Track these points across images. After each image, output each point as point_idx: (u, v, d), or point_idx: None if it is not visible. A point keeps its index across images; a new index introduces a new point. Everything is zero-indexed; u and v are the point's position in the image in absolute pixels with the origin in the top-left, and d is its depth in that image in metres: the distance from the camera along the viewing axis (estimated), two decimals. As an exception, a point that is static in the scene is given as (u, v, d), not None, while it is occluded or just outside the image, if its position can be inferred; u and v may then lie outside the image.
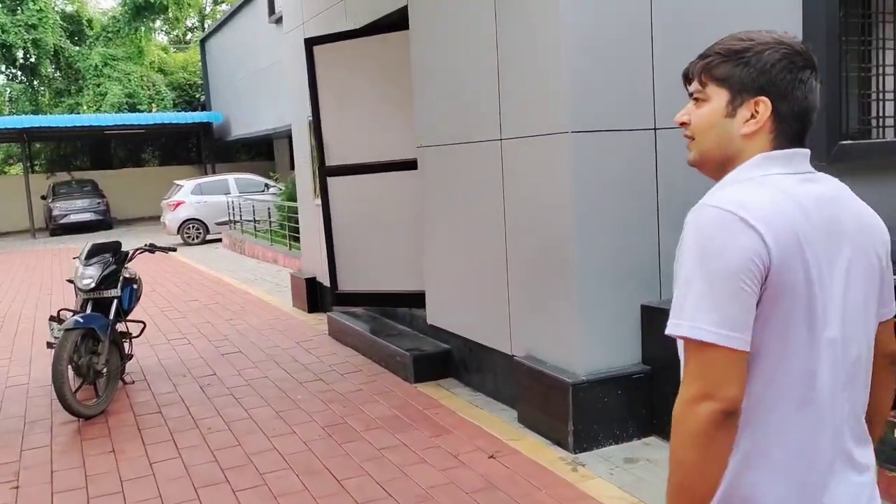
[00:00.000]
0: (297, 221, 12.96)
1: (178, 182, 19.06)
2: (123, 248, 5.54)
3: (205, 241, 18.10)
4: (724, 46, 1.38)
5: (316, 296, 8.29)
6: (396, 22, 6.01)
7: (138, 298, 5.67)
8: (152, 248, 5.64)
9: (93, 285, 5.22)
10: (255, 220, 15.32)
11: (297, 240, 12.95)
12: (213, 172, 24.23)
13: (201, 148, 27.51)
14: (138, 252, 5.62)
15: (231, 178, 18.96)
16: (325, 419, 4.86)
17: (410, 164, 6.02)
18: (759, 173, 1.34)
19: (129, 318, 5.60)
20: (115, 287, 5.34)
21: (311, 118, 7.70)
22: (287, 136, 22.79)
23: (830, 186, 1.39)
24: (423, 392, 5.29)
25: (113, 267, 5.34)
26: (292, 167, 25.04)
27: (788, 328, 1.28)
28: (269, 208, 14.94)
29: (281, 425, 4.78)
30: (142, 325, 5.74)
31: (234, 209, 17.25)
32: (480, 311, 5.01)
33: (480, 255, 4.92)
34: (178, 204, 18.05)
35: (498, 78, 4.56)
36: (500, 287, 4.74)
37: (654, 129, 4.22)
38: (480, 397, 5.10)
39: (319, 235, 7.93)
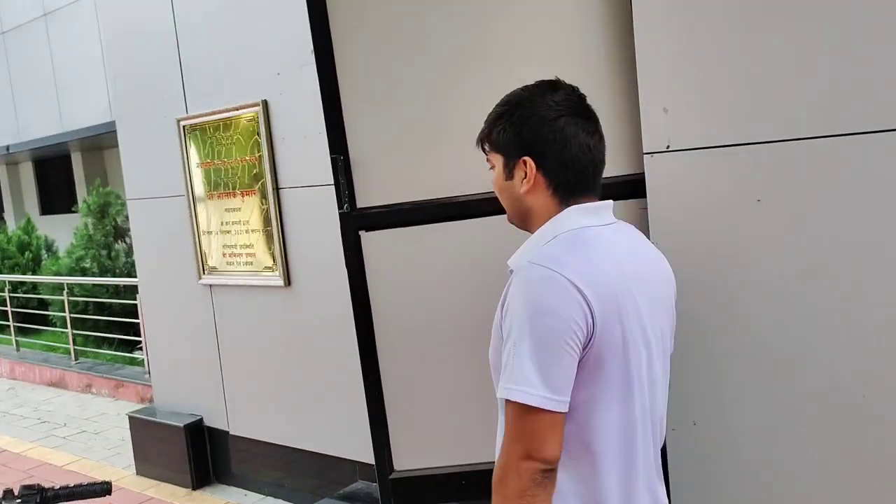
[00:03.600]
0: (22, 304, 8.39)
1: None
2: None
3: None
4: (492, 113, 1.50)
5: (205, 455, 4.46)
6: None
7: None
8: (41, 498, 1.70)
9: None
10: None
11: (25, 331, 8.35)
12: None
13: None
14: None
15: None
16: None
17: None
18: (573, 226, 1.39)
19: None
20: None
21: (188, 121, 4.02)
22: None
23: (632, 235, 1.50)
24: None
25: None
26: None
27: (610, 384, 1.33)
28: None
29: None
30: None
31: None
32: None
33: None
34: None
35: None
36: None
37: None
38: None
39: (211, 345, 4.22)
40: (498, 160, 1.49)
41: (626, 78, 2.70)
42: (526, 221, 1.49)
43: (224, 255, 4.08)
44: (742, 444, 2.55)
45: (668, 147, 2.53)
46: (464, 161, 2.87)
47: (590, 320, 1.29)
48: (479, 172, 2.86)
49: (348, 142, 2.95)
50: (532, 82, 1.51)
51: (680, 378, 2.65)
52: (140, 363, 6.83)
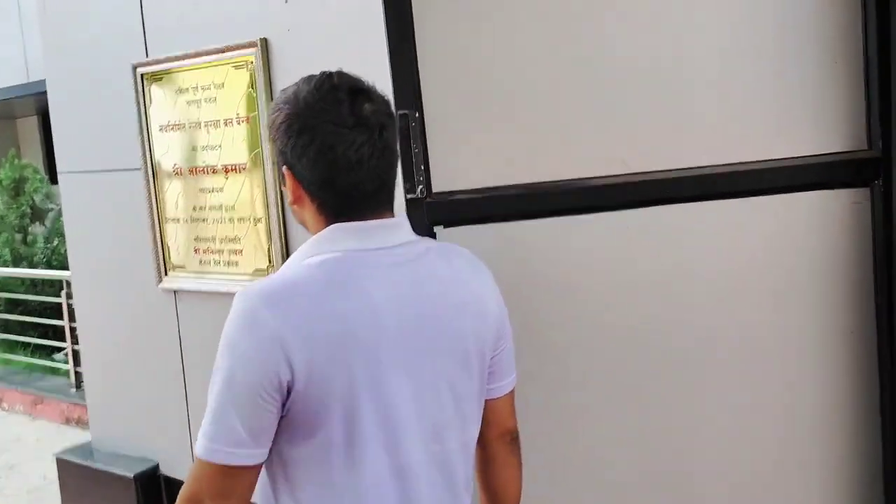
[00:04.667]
0: None
1: None
2: None
3: None
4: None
5: (162, 511, 3.43)
6: None
7: None
8: None
9: None
10: None
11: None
12: None
13: None
14: None
15: None
16: None
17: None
18: (329, 248, 1.20)
19: None
20: None
21: (149, 68, 2.98)
22: None
23: (424, 260, 1.24)
24: None
25: None
26: None
27: (333, 440, 1.14)
28: None
29: None
30: None
31: None
32: None
33: None
34: None
35: None
36: None
37: None
38: None
39: (173, 369, 3.18)
40: (278, 164, 1.29)
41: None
42: (311, 232, 1.31)
43: (196, 250, 3.02)
44: None
45: None
46: (602, 127, 1.94)
47: (286, 372, 1.10)
48: (616, 146, 1.95)
49: (423, 92, 1.97)
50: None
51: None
52: (64, 374, 5.67)
